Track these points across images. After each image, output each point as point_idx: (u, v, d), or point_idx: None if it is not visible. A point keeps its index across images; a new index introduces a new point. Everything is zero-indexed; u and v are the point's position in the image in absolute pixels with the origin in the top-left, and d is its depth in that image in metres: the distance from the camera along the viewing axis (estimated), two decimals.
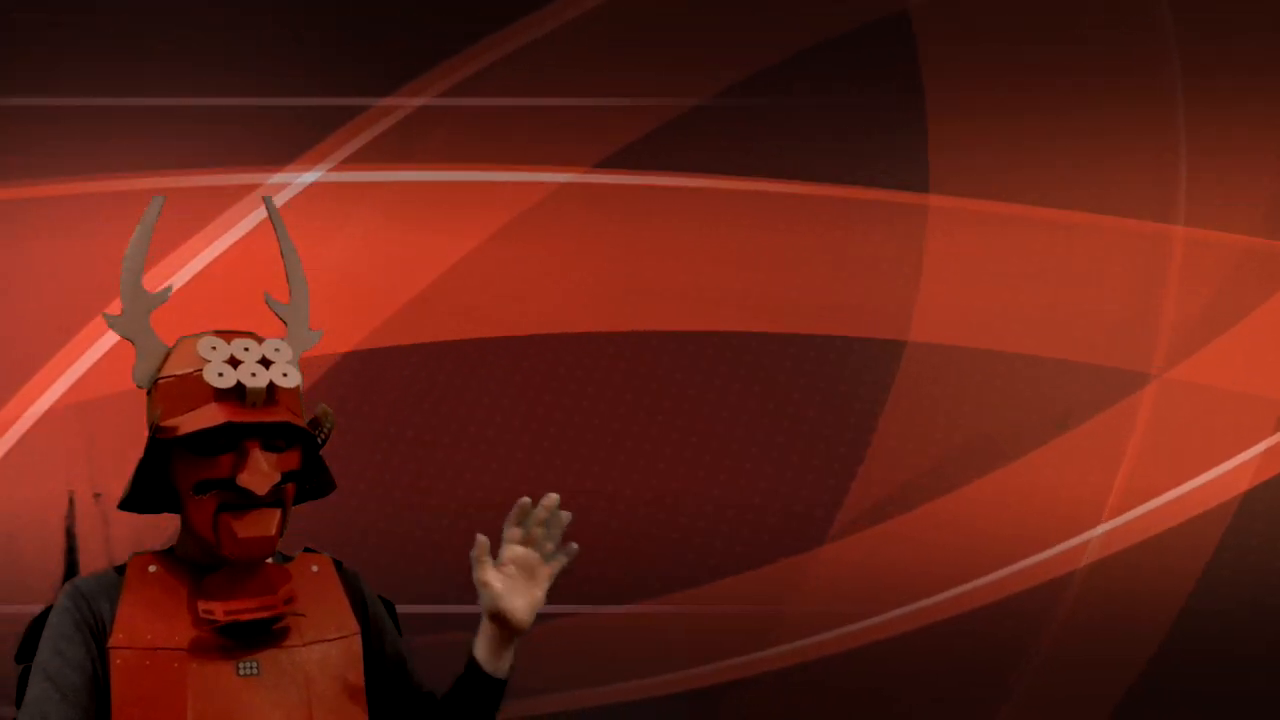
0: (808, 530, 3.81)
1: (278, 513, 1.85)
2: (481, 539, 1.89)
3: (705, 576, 3.79)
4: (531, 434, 3.78)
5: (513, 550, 1.90)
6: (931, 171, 3.93)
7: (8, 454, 3.55)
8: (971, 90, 3.97)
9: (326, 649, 1.89)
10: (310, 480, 1.97)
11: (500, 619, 1.89)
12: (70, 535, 3.50)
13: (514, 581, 1.89)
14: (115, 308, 1.94)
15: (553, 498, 1.90)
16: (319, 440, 1.94)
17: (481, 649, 1.92)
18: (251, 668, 1.84)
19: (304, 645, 1.88)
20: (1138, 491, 3.85)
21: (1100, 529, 3.83)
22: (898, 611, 3.81)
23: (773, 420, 3.84)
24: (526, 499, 1.91)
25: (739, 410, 3.84)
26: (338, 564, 2.01)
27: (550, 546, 1.91)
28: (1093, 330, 3.91)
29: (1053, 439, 3.86)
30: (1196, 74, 3.96)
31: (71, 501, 3.53)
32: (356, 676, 1.91)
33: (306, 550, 2.00)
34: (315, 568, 1.97)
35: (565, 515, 1.91)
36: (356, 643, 1.93)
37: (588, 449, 3.79)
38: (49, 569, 3.49)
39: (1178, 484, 3.85)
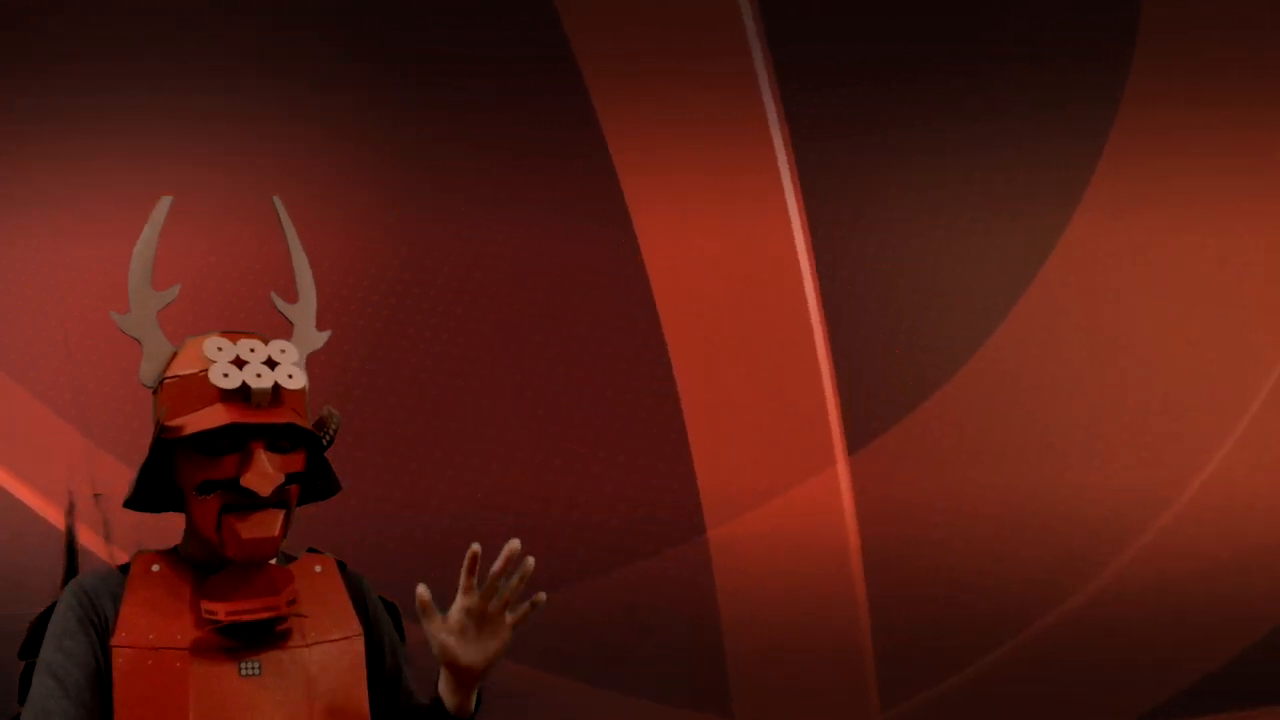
0: None
1: (281, 514, 1.86)
2: (420, 593, 1.80)
3: None
4: (532, 433, 3.76)
5: (465, 601, 1.82)
6: None
7: (9, 454, 3.55)
8: None
9: (328, 650, 1.90)
10: (315, 481, 1.97)
11: (453, 669, 1.85)
12: (70, 535, 3.49)
13: (465, 634, 1.83)
14: (122, 307, 1.94)
15: (514, 545, 1.78)
16: (324, 441, 1.94)
17: (444, 688, 1.89)
18: (253, 668, 1.84)
19: (306, 646, 1.88)
20: None
21: None
22: None
23: None
24: (477, 546, 1.80)
25: None
26: (341, 565, 2.01)
27: (510, 596, 1.82)
28: None
29: None
30: None
31: (71, 501, 3.52)
32: (358, 677, 1.91)
33: (310, 551, 2.01)
34: (318, 569, 1.98)
35: (529, 561, 1.81)
36: (359, 644, 1.93)
37: (586, 448, 3.77)
38: (49, 569, 3.48)
39: None
